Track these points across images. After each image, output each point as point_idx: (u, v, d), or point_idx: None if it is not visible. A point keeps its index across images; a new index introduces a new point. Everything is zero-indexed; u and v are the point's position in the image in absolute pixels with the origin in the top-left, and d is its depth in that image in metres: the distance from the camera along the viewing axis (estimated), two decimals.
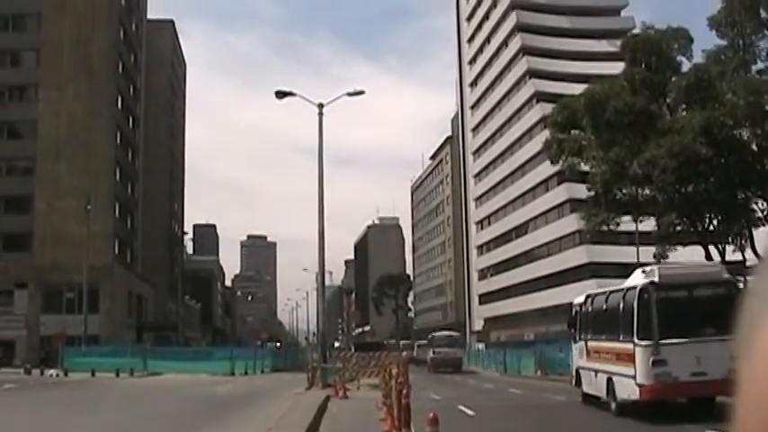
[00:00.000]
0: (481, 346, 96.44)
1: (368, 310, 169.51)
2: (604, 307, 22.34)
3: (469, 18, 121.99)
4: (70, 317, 63.46)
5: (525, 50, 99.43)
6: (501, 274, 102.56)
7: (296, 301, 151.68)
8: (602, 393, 21.67)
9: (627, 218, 38.92)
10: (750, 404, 0.90)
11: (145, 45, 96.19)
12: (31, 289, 70.10)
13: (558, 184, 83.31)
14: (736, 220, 35.15)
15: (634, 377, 19.10)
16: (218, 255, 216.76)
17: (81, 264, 60.02)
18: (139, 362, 53.76)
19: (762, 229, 34.98)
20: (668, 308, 19.17)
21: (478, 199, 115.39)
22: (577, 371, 24.66)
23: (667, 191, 33.12)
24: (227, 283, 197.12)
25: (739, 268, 35.46)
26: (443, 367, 58.47)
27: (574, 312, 25.24)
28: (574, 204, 73.69)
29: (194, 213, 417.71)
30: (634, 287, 19.97)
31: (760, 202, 34.81)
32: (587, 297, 24.36)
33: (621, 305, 20.53)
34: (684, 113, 34.96)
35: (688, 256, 37.76)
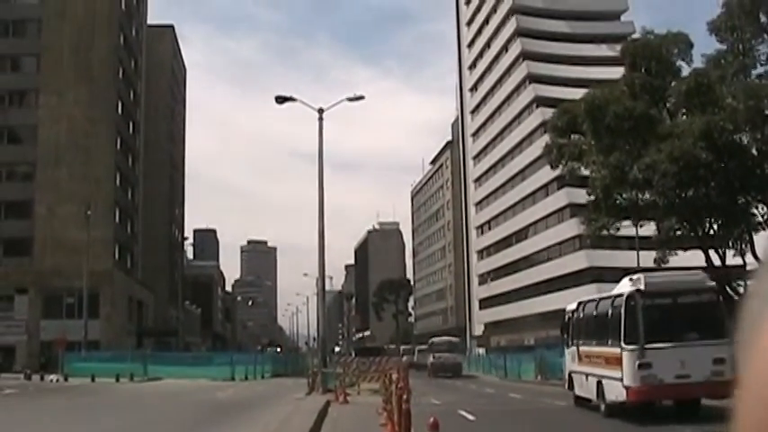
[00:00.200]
0: (481, 350, 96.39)
1: (368, 315, 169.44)
2: (594, 313, 23.44)
3: (469, 23, 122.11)
4: (70, 322, 63.46)
5: (525, 55, 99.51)
6: (501, 278, 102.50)
7: (296, 306, 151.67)
8: (593, 396, 22.58)
9: (627, 222, 38.85)
10: (751, 404, 0.91)
11: (145, 50, 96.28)
12: (32, 294, 70.09)
13: (559, 188, 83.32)
14: (736, 225, 35.10)
15: (621, 379, 19.98)
16: (218, 260, 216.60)
17: (81, 269, 60.04)
18: (140, 367, 53.74)
19: (762, 233, 34.93)
20: (653, 314, 20.13)
21: (479, 204, 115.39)
22: (570, 375, 25.52)
23: (667, 195, 33.08)
24: (228, 288, 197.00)
25: (740, 272, 35.52)
26: (443, 372, 58.77)
27: (566, 319, 26.22)
28: (574, 209, 73.66)
29: (194, 218, 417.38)
30: (621, 294, 21.00)
31: (760, 206, 34.74)
32: (579, 304, 25.33)
33: (610, 312, 21.58)
34: (684, 118, 34.92)
35: (688, 261, 37.76)
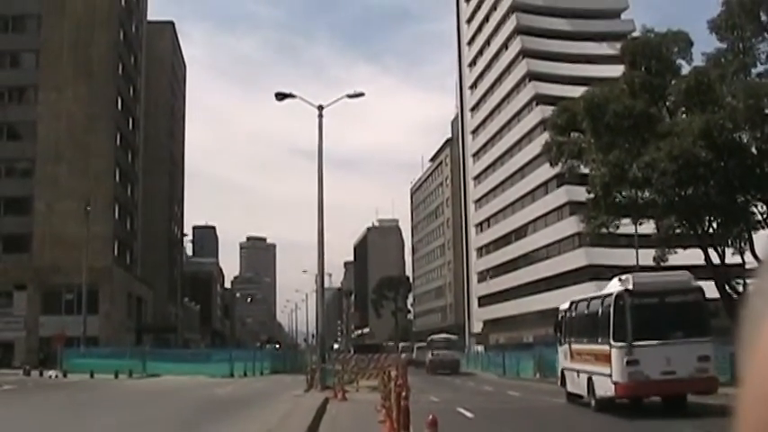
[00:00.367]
0: (480, 348, 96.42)
1: (367, 312, 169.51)
2: (586, 312, 24.39)
3: (469, 20, 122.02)
4: (69, 318, 63.48)
5: (525, 53, 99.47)
6: (500, 276, 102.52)
7: (295, 303, 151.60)
8: (584, 392, 23.42)
9: (626, 221, 38.83)
10: (753, 402, 0.91)
11: (145, 47, 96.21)
12: (31, 290, 70.10)
13: (558, 186, 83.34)
14: (735, 224, 35.10)
15: (610, 376, 20.87)
16: (217, 257, 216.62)
17: (80, 265, 60.01)
18: (138, 363, 53.78)
19: (761, 232, 34.94)
20: (641, 313, 20.97)
21: (478, 201, 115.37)
22: (562, 372, 26.46)
23: (667, 194, 33.05)
24: (227, 284, 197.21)
25: (739, 271, 35.53)
26: (441, 369, 59.28)
27: (559, 318, 27.22)
28: (573, 207, 73.71)
29: (194, 215, 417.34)
30: (610, 294, 21.95)
31: (759, 205, 34.73)
32: (571, 303, 26.35)
33: (600, 310, 22.57)
34: (684, 117, 34.88)
35: (687, 259, 37.78)
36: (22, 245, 71.99)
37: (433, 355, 62.94)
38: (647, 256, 41.84)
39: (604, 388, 21.42)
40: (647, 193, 35.00)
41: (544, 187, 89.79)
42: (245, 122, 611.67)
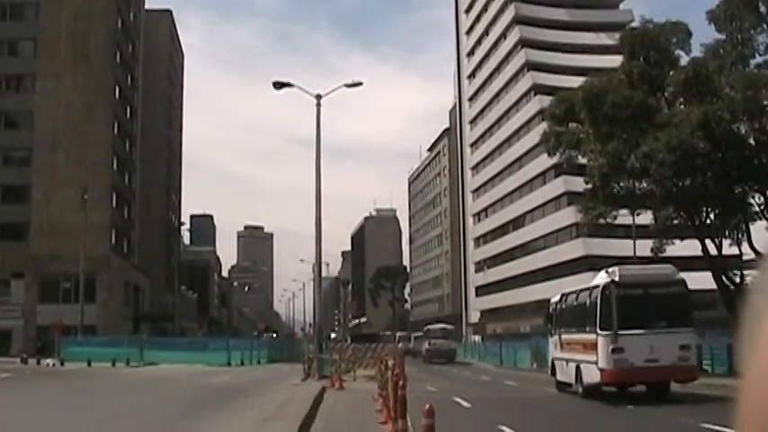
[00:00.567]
0: (477, 338, 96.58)
1: (364, 302, 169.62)
2: (575, 304, 25.37)
3: (468, 10, 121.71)
4: (67, 307, 63.54)
5: (524, 43, 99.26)
6: (498, 266, 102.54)
7: (292, 292, 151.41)
8: (572, 380, 24.40)
9: (624, 211, 38.88)
10: (753, 397, 0.90)
11: (143, 35, 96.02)
12: (28, 279, 70.14)
13: (556, 176, 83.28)
14: (733, 215, 35.14)
15: (596, 363, 21.93)
16: (214, 245, 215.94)
17: (78, 254, 60.00)
18: (136, 352, 53.83)
19: (758, 223, 35.02)
20: (626, 303, 21.92)
21: (476, 191, 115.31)
22: (553, 362, 27.47)
23: (665, 184, 33.05)
24: (224, 273, 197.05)
25: (736, 262, 35.61)
26: (438, 358, 59.77)
27: (550, 309, 28.29)
28: (571, 197, 73.69)
29: (191, 204, 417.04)
30: (598, 285, 23.06)
31: (757, 196, 34.76)
32: (562, 296, 27.33)
33: (588, 301, 23.61)
34: (682, 107, 34.88)
35: (685, 250, 37.84)
36: (19, 233, 71.95)
37: (429, 344, 63.15)
38: (644, 247, 41.89)
39: (591, 375, 22.36)
40: (644, 184, 35.01)
41: (542, 177, 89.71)
42: (243, 111, 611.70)
